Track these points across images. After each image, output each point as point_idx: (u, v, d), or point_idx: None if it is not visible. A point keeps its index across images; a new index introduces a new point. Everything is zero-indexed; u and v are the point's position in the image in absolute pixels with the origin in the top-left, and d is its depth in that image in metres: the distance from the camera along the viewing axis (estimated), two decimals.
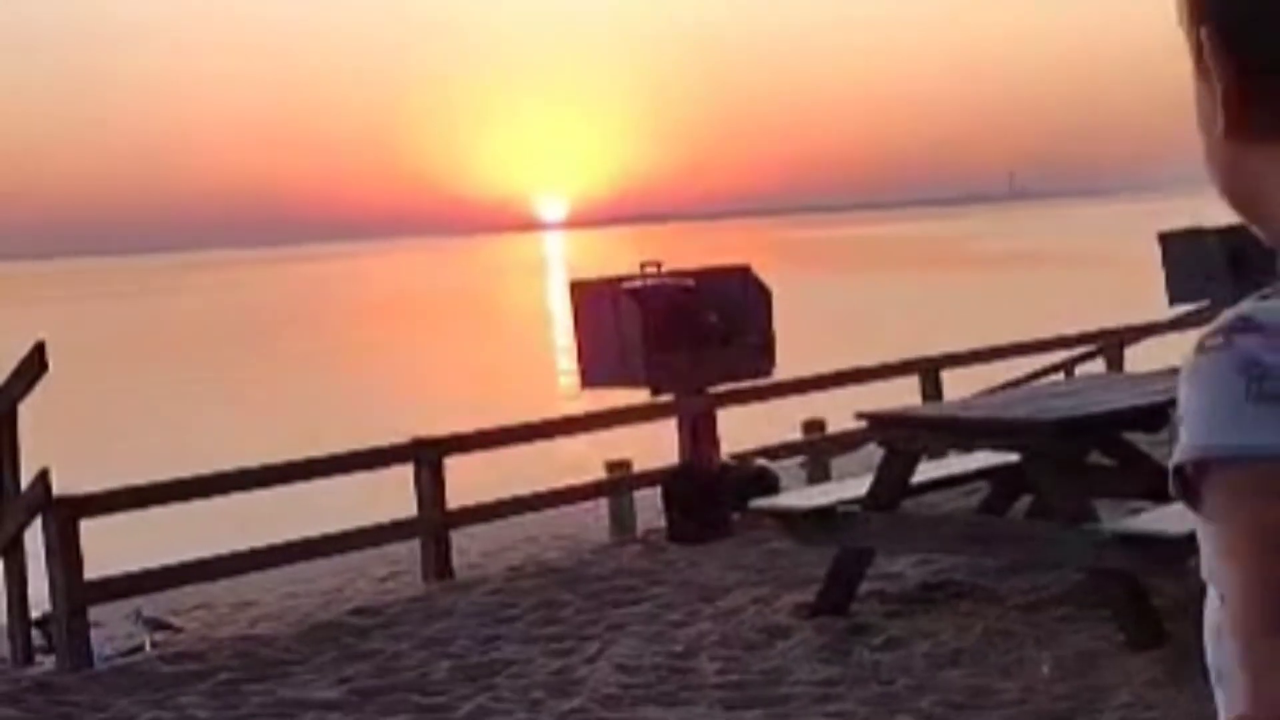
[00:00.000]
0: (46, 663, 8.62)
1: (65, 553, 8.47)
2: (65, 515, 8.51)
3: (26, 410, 8.72)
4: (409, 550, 10.54)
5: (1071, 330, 15.43)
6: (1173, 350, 15.57)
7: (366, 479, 10.76)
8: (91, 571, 8.70)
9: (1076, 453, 7.90)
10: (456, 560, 10.29)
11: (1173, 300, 15.02)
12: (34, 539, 8.70)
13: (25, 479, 8.66)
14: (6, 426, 8.64)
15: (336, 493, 11.31)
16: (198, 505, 9.96)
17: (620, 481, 11.26)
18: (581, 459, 12.44)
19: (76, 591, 8.52)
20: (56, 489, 8.60)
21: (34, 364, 8.61)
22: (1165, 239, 14.92)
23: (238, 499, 10.11)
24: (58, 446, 10.46)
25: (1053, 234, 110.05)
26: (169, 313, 69.74)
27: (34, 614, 8.78)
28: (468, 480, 11.05)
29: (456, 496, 10.48)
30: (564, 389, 20.82)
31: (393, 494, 11.04)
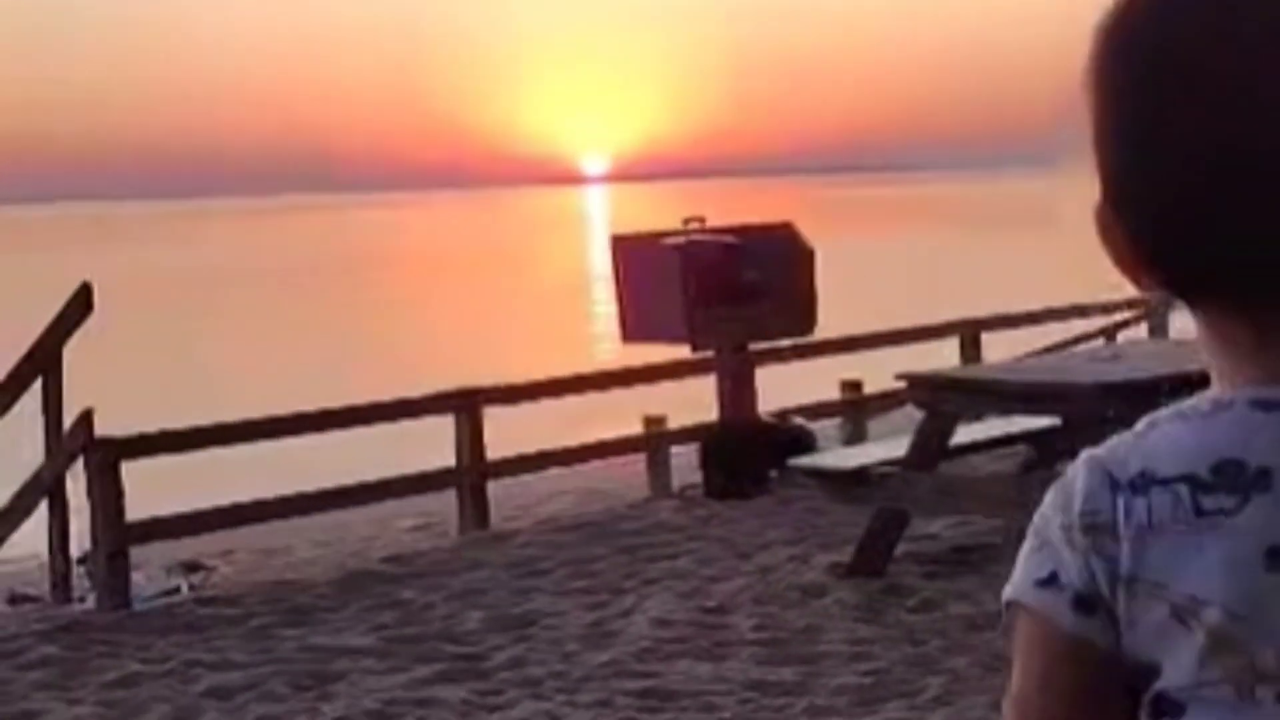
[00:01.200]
0: (87, 601, 8.70)
1: (106, 494, 8.54)
2: (106, 456, 8.57)
3: (100, 351, 8.76)
4: (443, 500, 10.59)
5: (1114, 295, 15.34)
6: None
7: (403, 428, 10.79)
8: (133, 513, 8.77)
9: (1118, 418, 7.84)
10: (492, 512, 10.33)
11: None
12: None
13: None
14: (51, 368, 8.70)
15: (374, 441, 11.36)
16: (239, 450, 10.02)
17: (658, 437, 11.27)
18: (619, 413, 12.45)
19: (117, 532, 8.59)
20: (101, 431, 8.68)
21: (80, 306, 8.66)
22: None
23: (278, 445, 10.16)
24: (107, 389, 10.52)
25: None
26: (219, 258, 70.01)
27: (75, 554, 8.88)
28: (505, 432, 11.06)
29: (493, 448, 10.50)
30: (606, 343, 20.83)
31: (426, 444, 11.07)
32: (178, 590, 9.06)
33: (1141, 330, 14.66)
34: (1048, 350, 13.69)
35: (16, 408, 8.86)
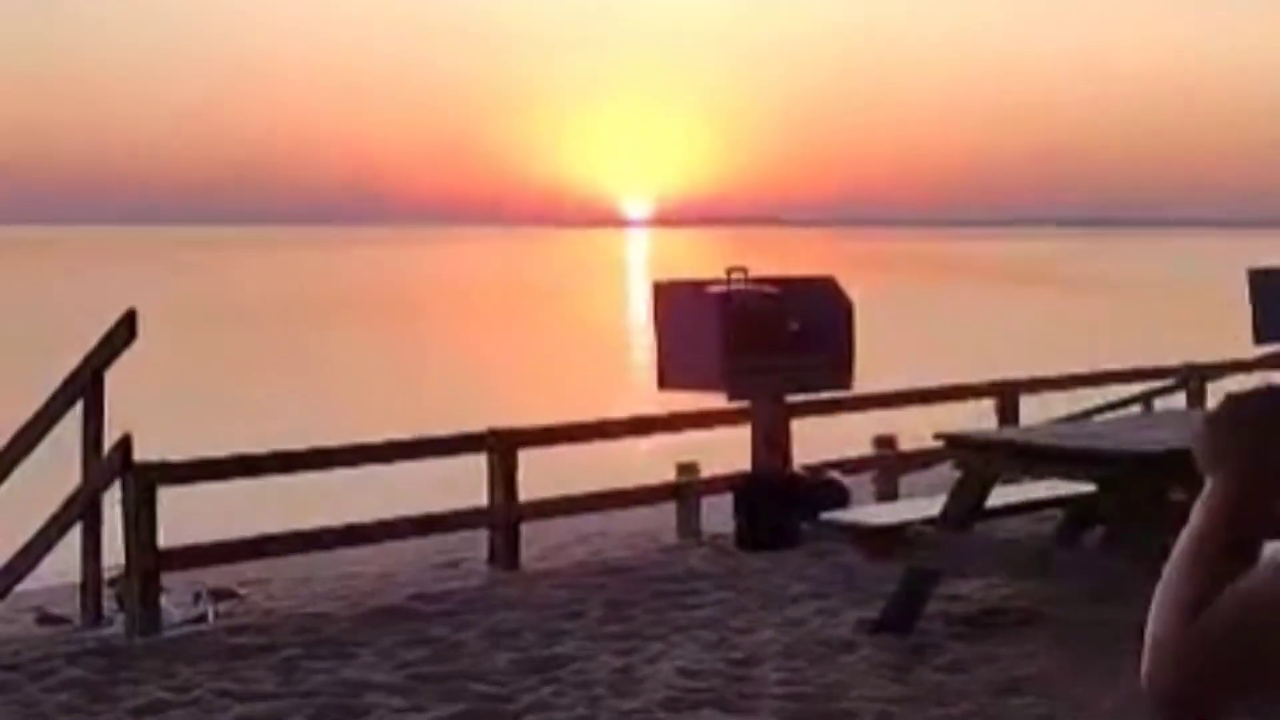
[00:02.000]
0: (116, 622, 8.72)
1: (141, 519, 8.57)
2: (144, 482, 8.61)
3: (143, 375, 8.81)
4: (475, 539, 10.61)
5: (1154, 362, 15.33)
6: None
7: (438, 466, 10.84)
8: (166, 539, 8.81)
9: (1155, 488, 7.85)
10: (522, 551, 10.34)
11: (1259, 338, 14.89)
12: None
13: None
14: (92, 391, 8.76)
15: (408, 476, 11.41)
16: (274, 480, 10.08)
17: (691, 484, 11.27)
18: (654, 458, 12.47)
19: (150, 558, 8.62)
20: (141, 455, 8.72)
21: (123, 332, 8.72)
22: (1254, 276, 14.80)
23: (313, 477, 10.21)
24: (150, 413, 10.60)
25: (1139, 262, 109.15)
26: (266, 287, 70.39)
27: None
28: (539, 473, 11.09)
29: (526, 488, 10.52)
30: (643, 388, 20.88)
31: (459, 482, 11.10)
32: (204, 617, 9.08)
33: (1178, 399, 14.62)
34: (1085, 415, 13.67)
35: (56, 431, 8.92)
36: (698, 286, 11.07)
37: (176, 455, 9.31)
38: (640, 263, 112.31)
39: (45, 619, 9.04)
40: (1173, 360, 15.31)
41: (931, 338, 38.34)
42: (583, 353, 37.73)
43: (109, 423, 8.86)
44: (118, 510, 8.79)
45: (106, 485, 8.70)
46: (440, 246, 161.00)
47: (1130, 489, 7.37)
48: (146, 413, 12.25)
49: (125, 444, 8.65)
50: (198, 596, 9.50)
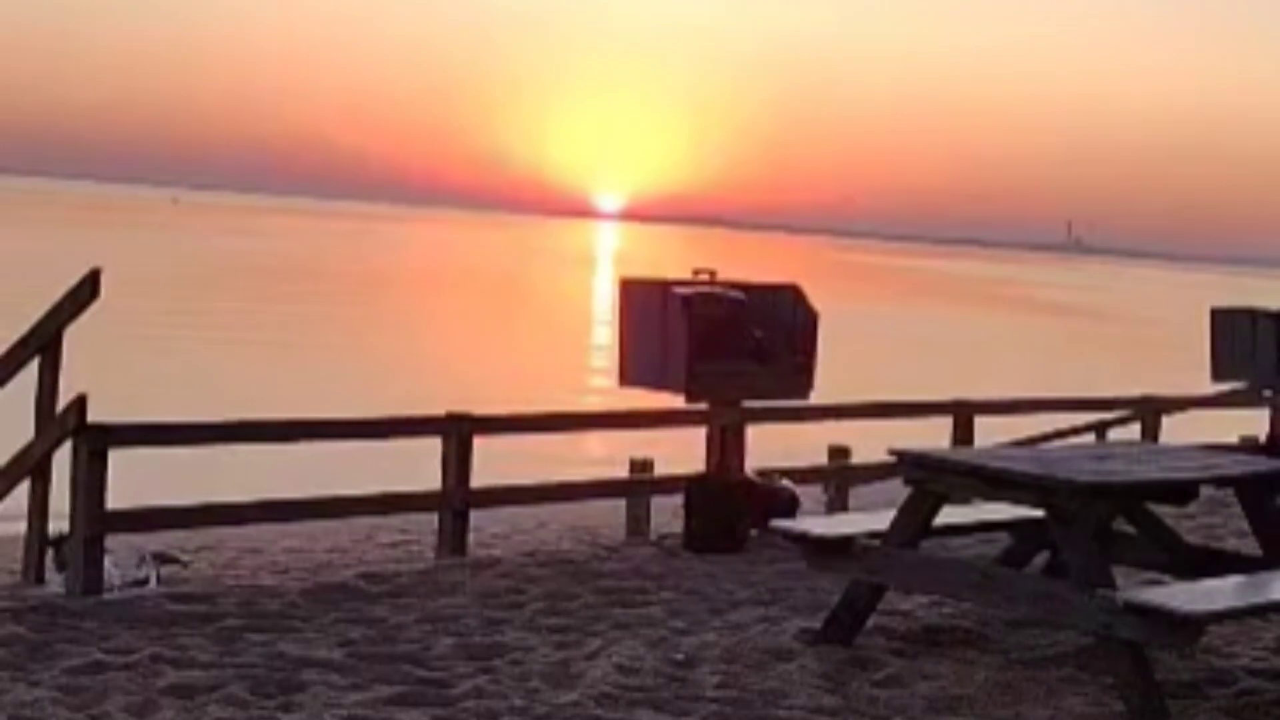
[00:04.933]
0: (55, 582, 8.70)
1: (91, 479, 8.54)
2: (95, 443, 8.58)
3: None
4: (424, 519, 10.59)
5: (1110, 392, 15.45)
6: (1209, 426, 15.57)
7: (394, 446, 10.84)
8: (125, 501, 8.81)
9: (1103, 517, 7.89)
10: (470, 536, 10.35)
11: (1215, 376, 15.02)
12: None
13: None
14: (50, 350, 8.72)
15: (362, 454, 11.40)
16: (229, 449, 10.07)
17: (643, 482, 11.29)
18: (610, 452, 12.49)
19: (97, 519, 8.60)
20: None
21: (86, 290, 8.68)
22: (1216, 315, 14.93)
23: (267, 449, 10.20)
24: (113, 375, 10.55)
25: (1111, 290, 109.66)
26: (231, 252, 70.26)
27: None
28: (493, 459, 11.10)
29: (479, 473, 10.52)
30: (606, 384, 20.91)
31: (413, 462, 11.10)
32: (146, 581, 9.07)
33: (1132, 430, 14.72)
34: (1041, 439, 13.77)
35: (14, 389, 8.87)
36: (664, 285, 11.08)
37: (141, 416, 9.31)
38: (622, 258, 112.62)
39: None
40: (1129, 392, 15.41)
41: (894, 352, 38.48)
42: (554, 345, 37.74)
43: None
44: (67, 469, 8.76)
45: (58, 444, 8.67)
46: (426, 226, 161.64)
47: (1078, 517, 7.42)
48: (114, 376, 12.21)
49: (80, 404, 8.61)
50: (141, 560, 9.48)
